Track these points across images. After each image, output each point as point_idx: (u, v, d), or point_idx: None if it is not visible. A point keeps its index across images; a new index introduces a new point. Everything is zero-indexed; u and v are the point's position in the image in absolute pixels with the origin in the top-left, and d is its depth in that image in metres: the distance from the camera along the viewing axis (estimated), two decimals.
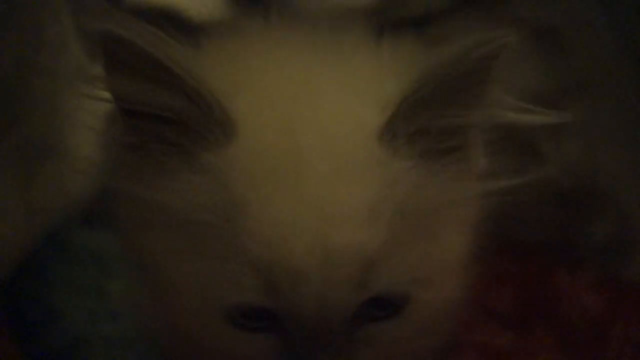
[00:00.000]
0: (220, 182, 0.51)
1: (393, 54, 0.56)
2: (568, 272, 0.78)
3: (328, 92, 0.53)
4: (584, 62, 0.81)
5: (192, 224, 0.51)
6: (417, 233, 0.52)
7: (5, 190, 0.68)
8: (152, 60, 0.50)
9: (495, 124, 0.54)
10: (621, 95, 0.82)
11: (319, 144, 0.51)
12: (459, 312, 0.58)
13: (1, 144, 0.68)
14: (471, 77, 0.51)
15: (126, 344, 0.68)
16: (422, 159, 0.52)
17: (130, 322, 0.66)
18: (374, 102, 0.52)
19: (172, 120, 0.51)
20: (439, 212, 0.53)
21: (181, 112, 0.51)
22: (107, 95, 0.52)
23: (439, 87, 0.50)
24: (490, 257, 0.57)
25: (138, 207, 0.54)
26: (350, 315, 0.52)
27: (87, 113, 0.74)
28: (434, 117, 0.51)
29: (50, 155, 0.71)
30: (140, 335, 0.65)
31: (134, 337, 0.67)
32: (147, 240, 0.54)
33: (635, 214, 0.81)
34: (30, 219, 0.70)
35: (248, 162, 0.51)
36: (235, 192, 0.51)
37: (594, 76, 0.81)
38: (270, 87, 0.54)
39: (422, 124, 0.51)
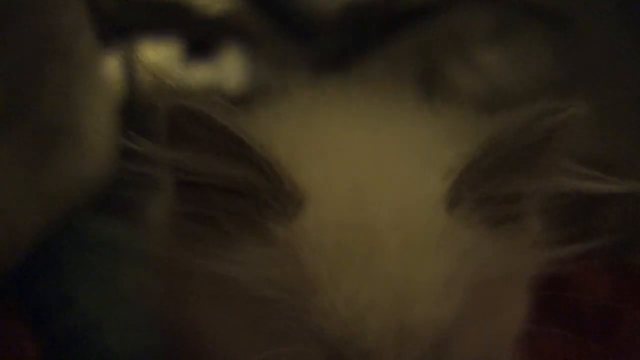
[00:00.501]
0: (288, 256, 0.49)
1: (448, 118, 0.55)
2: (578, 258, 0.78)
3: (392, 159, 0.51)
4: (595, 50, 0.82)
5: (255, 299, 0.49)
6: (483, 305, 0.50)
7: (18, 177, 0.68)
8: (224, 132, 0.48)
9: (559, 192, 0.52)
10: (632, 84, 0.82)
11: (389, 216, 0.49)
12: None
13: (14, 130, 0.68)
14: (537, 146, 0.49)
15: (139, 329, 0.69)
16: (486, 227, 0.50)
17: (143, 308, 0.66)
18: (436, 168, 0.50)
19: (237, 191, 0.49)
20: (502, 283, 0.51)
21: (249, 183, 0.49)
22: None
23: (503, 155, 0.49)
24: None
25: (189, 277, 0.51)
26: None
27: (100, 99, 0.75)
28: (497, 185, 0.50)
29: (63, 141, 0.72)
30: (153, 321, 0.65)
31: (147, 322, 0.67)
32: (193, 308, 0.52)
33: None
34: (43, 205, 0.70)
35: (318, 234, 0.49)
36: (305, 267, 0.48)
37: (606, 64, 0.81)
38: (335, 156, 0.51)
39: (485, 191, 0.50)
